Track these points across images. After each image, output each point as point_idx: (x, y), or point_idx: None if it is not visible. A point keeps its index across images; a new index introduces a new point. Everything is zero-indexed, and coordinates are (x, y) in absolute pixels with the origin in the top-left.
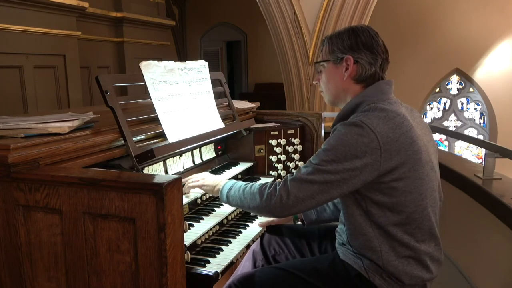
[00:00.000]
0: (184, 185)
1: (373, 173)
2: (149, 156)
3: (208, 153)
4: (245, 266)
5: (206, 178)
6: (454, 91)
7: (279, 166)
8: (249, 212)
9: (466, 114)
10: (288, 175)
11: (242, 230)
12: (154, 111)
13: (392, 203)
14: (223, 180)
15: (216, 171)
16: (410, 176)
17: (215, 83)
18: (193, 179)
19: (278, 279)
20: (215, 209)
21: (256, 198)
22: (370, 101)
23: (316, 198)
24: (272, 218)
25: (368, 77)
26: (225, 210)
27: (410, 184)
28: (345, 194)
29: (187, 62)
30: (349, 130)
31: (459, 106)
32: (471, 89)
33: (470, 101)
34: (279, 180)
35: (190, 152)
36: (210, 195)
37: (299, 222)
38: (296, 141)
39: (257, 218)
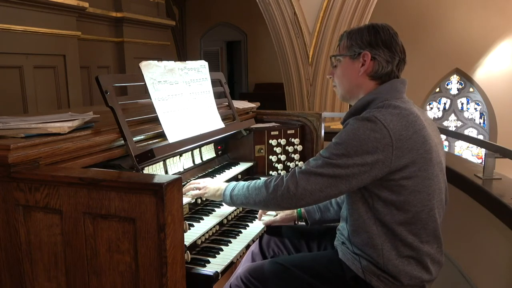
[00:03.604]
0: (186, 194)
1: (384, 169)
2: (149, 156)
3: (208, 153)
4: None
5: (208, 185)
6: (454, 91)
7: (279, 166)
8: (254, 209)
9: (466, 114)
10: (296, 167)
11: (242, 230)
12: (154, 111)
13: (400, 201)
14: (224, 184)
15: (216, 171)
16: (420, 175)
17: (215, 83)
18: (195, 185)
19: (277, 274)
20: (215, 209)
21: (262, 191)
22: (383, 98)
23: (324, 191)
24: (274, 218)
25: (384, 75)
26: (225, 210)
27: (419, 183)
28: (354, 189)
29: (187, 62)
30: (362, 125)
31: (459, 106)
32: (471, 89)
33: (470, 101)
34: (284, 172)
35: (190, 152)
36: None
37: (303, 222)
38: (296, 141)
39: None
